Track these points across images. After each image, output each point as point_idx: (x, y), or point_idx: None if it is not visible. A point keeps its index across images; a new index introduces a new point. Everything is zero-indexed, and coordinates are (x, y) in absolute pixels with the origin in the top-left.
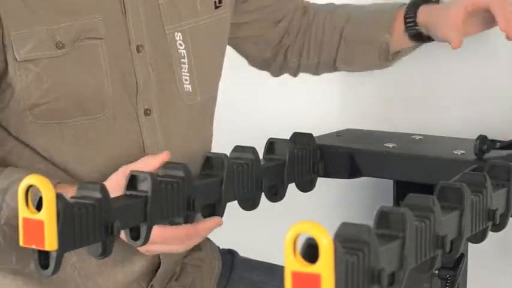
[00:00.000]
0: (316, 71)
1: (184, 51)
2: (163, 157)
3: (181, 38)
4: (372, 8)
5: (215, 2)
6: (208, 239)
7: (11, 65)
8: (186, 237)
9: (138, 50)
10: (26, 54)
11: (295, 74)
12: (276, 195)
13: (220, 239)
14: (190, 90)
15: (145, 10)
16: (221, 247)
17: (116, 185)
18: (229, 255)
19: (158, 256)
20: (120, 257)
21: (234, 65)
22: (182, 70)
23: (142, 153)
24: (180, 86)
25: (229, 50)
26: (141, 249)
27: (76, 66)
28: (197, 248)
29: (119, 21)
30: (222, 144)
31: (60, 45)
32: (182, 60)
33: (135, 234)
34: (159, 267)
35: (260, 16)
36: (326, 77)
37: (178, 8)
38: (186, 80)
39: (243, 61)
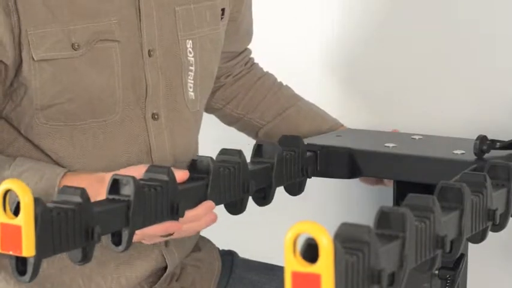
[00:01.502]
0: (232, 123)
1: (192, 59)
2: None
3: (191, 46)
4: (318, 109)
5: (220, 15)
6: (208, 240)
7: (26, 64)
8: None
9: (149, 55)
10: (43, 54)
11: (207, 111)
12: (265, 198)
13: (220, 239)
14: (193, 97)
15: (159, 15)
16: (221, 248)
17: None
18: (229, 256)
19: (163, 259)
20: (124, 260)
21: None
22: (188, 77)
23: (148, 157)
24: (185, 92)
25: None
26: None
27: (90, 67)
28: (197, 248)
29: (133, 25)
30: (223, 144)
31: (76, 46)
32: (190, 67)
33: (116, 239)
34: (162, 269)
35: (226, 42)
36: (325, 77)
37: (192, 17)
38: (190, 87)
39: None
